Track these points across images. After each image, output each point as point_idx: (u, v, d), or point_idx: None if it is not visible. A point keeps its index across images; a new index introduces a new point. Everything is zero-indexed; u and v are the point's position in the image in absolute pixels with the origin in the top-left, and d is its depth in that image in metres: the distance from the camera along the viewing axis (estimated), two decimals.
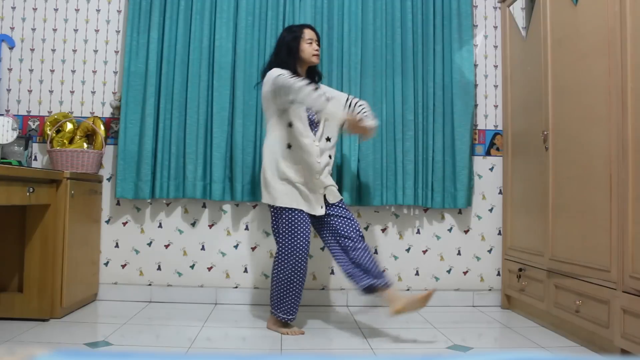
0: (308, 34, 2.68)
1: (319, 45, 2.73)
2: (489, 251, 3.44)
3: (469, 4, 3.38)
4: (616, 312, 2.18)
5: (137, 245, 3.32)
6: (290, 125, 2.59)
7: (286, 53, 2.65)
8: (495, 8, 3.53)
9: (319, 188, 2.63)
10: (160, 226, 3.33)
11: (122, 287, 3.28)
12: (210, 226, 3.35)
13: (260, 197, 3.22)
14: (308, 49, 2.66)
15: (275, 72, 2.56)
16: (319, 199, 2.64)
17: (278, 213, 2.61)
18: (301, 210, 2.59)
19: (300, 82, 2.46)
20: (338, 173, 3.24)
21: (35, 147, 3.32)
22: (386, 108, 3.31)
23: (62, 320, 2.72)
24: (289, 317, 2.62)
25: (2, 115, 3.06)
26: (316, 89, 2.51)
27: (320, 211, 2.63)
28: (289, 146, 2.59)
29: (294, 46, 2.65)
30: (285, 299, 2.60)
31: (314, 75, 2.77)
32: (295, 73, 2.60)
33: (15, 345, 2.23)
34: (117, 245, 3.31)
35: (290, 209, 2.58)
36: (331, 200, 2.67)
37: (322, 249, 3.34)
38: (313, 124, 2.66)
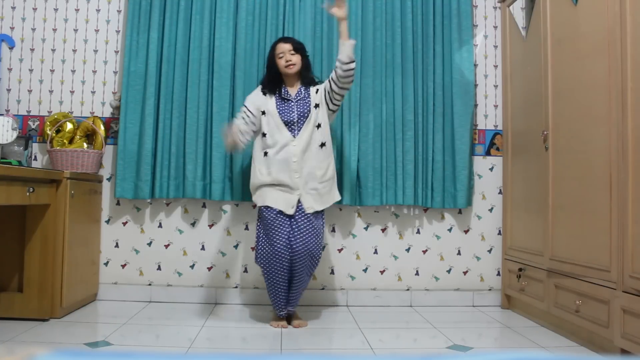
0: (278, 49, 2.80)
1: (296, 52, 2.78)
2: (489, 251, 3.44)
3: (469, 4, 3.38)
4: (616, 312, 2.18)
5: (137, 245, 3.32)
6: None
7: (267, 71, 2.86)
8: (495, 8, 3.53)
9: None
10: (160, 226, 3.33)
11: (122, 287, 3.28)
12: (210, 226, 3.35)
13: None
14: (280, 62, 2.79)
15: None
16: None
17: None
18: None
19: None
20: (338, 173, 3.23)
21: (35, 147, 3.32)
22: (386, 108, 3.31)
23: (62, 320, 2.72)
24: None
25: (2, 115, 3.06)
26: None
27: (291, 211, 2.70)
28: None
29: (271, 65, 2.83)
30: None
31: (307, 82, 2.85)
32: (276, 86, 2.80)
33: (15, 345, 2.23)
34: (117, 245, 3.31)
35: None
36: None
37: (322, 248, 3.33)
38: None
